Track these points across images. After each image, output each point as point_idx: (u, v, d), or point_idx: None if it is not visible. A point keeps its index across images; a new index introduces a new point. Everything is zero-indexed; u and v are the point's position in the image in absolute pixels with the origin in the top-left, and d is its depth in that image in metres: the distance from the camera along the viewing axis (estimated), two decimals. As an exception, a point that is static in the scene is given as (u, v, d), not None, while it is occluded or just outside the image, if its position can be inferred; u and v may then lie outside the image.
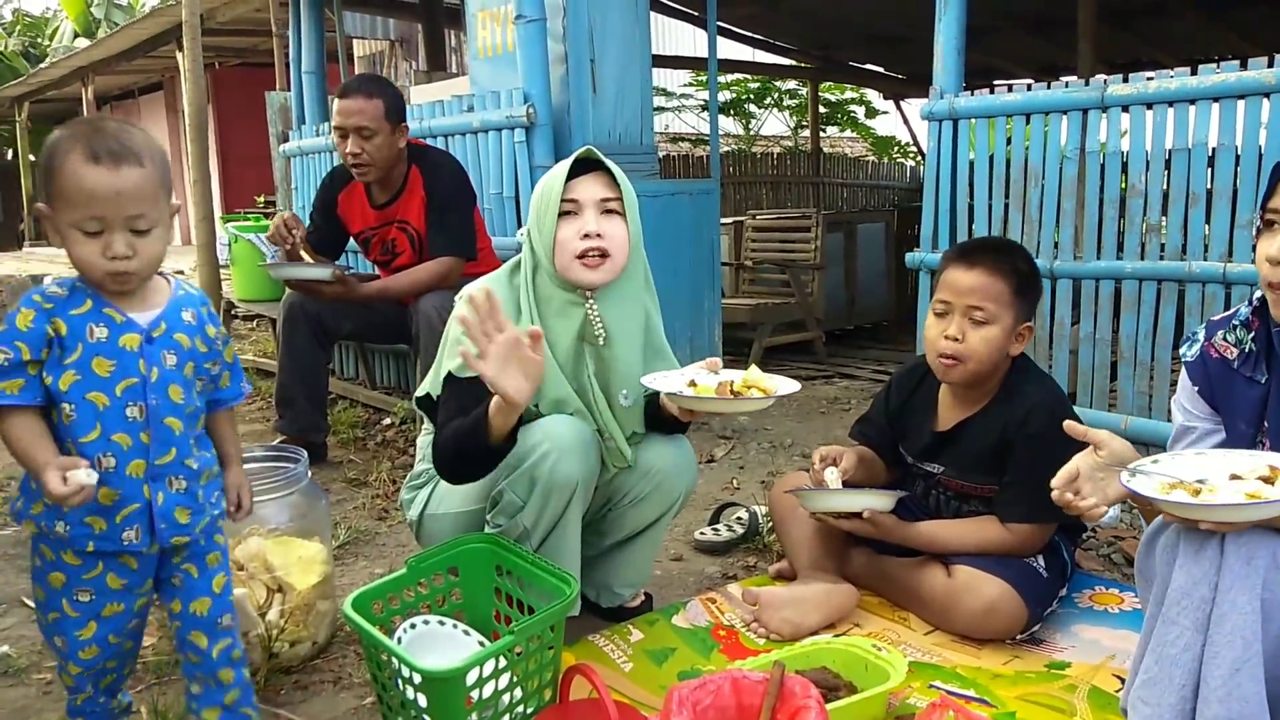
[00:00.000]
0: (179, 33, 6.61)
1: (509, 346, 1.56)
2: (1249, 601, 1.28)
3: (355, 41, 10.31)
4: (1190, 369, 1.54)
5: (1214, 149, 2.67)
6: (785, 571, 2.28)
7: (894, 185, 10.64)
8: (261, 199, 9.95)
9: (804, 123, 11.47)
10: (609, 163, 1.85)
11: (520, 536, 1.79)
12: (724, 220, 6.16)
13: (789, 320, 5.52)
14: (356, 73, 9.94)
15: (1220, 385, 1.49)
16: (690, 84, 11.68)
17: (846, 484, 2.08)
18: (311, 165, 4.71)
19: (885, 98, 10.83)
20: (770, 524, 2.44)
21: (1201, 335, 1.54)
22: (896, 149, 12.67)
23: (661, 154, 9.86)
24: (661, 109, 11.87)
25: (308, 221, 3.34)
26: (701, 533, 2.62)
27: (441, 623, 1.74)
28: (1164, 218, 2.77)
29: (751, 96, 11.84)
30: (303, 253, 3.10)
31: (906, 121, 10.29)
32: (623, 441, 1.90)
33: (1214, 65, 2.65)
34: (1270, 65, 2.54)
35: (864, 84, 10.79)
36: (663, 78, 11.72)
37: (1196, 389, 1.53)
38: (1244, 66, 2.59)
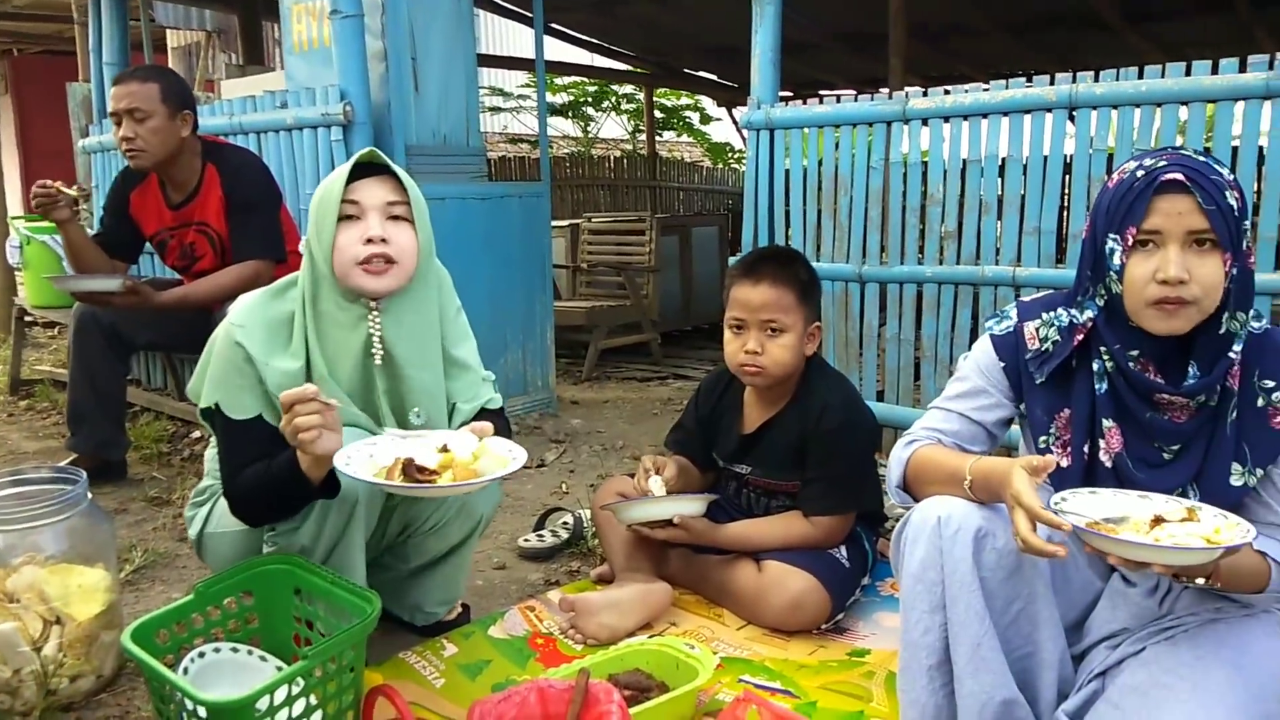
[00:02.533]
0: (-36, 15, 6.05)
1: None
2: (971, 578, 1.34)
3: (169, 32, 9.72)
4: (999, 342, 1.55)
5: (1004, 159, 2.86)
6: (606, 575, 2.29)
7: (728, 190, 10.92)
8: (66, 197, 9.23)
9: (641, 127, 11.61)
10: (395, 166, 1.76)
11: (299, 555, 1.71)
12: (560, 223, 6.18)
13: (625, 322, 5.56)
14: (169, 65, 9.41)
15: (1025, 367, 1.53)
16: (528, 85, 11.62)
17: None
18: (114, 163, 4.39)
19: (719, 105, 11.09)
20: (595, 528, 2.45)
21: (1014, 314, 1.56)
22: (731, 155, 13.00)
23: (499, 155, 9.78)
24: (499, 109, 11.75)
25: (99, 225, 3.11)
26: (526, 539, 2.60)
27: (235, 649, 1.65)
28: (960, 224, 2.94)
29: (589, 100, 11.88)
30: (69, 192, 2.88)
31: (739, 129, 10.57)
32: None
33: (1005, 82, 2.84)
34: (1052, 83, 2.74)
35: (699, 91, 11.02)
36: (500, 78, 11.61)
37: (1002, 364, 1.54)
38: (1030, 83, 2.78)
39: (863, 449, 2.15)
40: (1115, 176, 1.42)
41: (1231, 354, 1.38)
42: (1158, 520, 1.29)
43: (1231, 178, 1.36)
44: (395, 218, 1.73)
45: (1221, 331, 1.37)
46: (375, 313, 1.75)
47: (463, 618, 2.11)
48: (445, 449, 1.59)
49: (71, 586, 1.82)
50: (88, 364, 2.97)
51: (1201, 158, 1.36)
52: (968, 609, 1.34)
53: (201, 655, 1.59)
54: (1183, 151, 1.38)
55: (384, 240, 1.69)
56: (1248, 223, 1.39)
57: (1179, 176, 1.32)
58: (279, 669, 1.64)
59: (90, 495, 1.89)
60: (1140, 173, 1.36)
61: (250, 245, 2.88)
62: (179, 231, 3.01)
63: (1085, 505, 1.34)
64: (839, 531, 2.10)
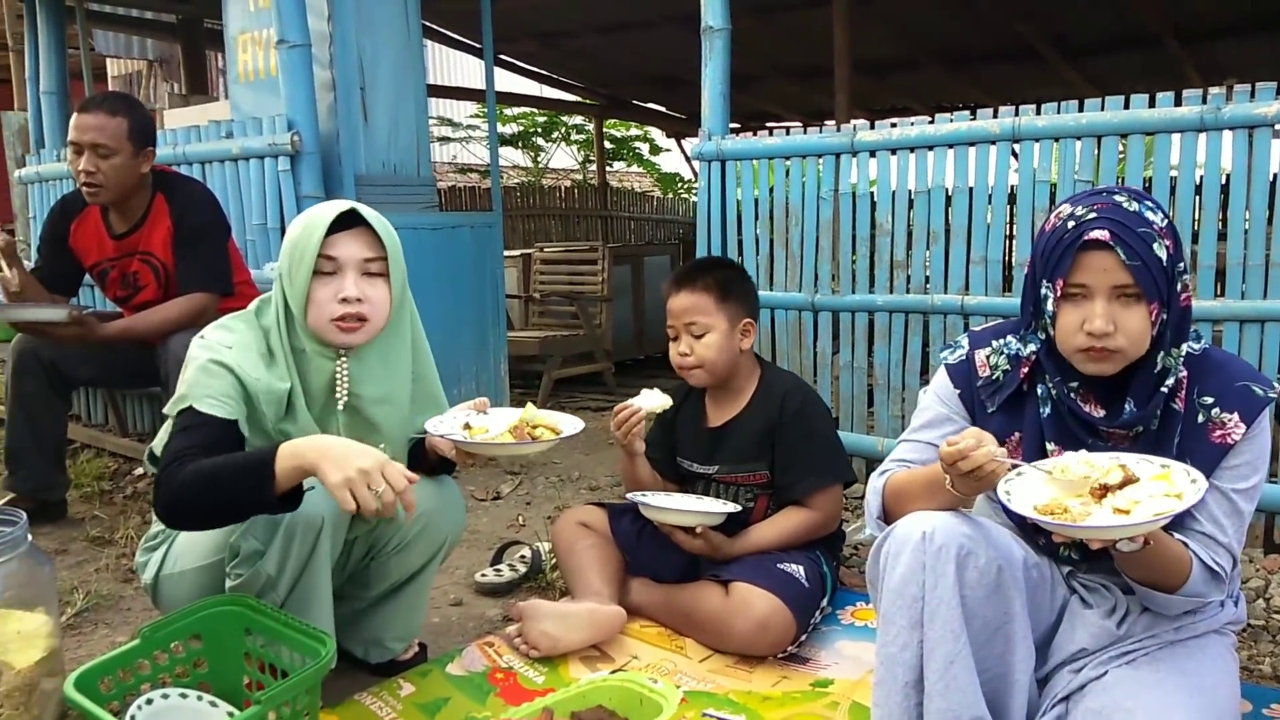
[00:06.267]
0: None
1: None
2: (953, 595, 1.35)
3: (109, 60, 9.56)
4: (953, 371, 1.60)
5: (950, 191, 2.91)
6: (568, 608, 2.27)
7: (679, 219, 11.00)
8: (-1, 228, 8.98)
9: (591, 157, 11.67)
10: (373, 219, 1.74)
11: (265, 587, 1.67)
12: (512, 253, 6.16)
13: (578, 351, 5.55)
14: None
15: (978, 395, 1.58)
16: (477, 115, 11.64)
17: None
18: (52, 193, 4.29)
19: (668, 136, 11.19)
20: (554, 560, 2.43)
21: (966, 343, 1.62)
22: (681, 185, 13.11)
23: (449, 185, 9.75)
24: (448, 139, 11.74)
25: (35, 255, 3.02)
26: (483, 574, 2.56)
27: (184, 695, 1.59)
28: (909, 254, 2.99)
29: (539, 130, 11.92)
30: (4, 268, 2.80)
31: (688, 159, 10.67)
32: None
33: (949, 116, 2.90)
34: (995, 116, 2.80)
35: (647, 122, 11.11)
36: (449, 108, 11.60)
37: (958, 392, 1.59)
38: (974, 116, 2.84)
39: (828, 424, 2.31)
40: (1051, 220, 1.46)
41: (1164, 388, 1.43)
42: (1104, 489, 1.30)
43: (1164, 224, 1.39)
44: (370, 274, 1.73)
45: (1156, 369, 1.43)
46: (344, 358, 1.77)
47: (419, 657, 2.07)
48: (468, 427, 1.77)
49: (10, 633, 1.74)
50: (26, 403, 2.88)
51: (1134, 205, 1.38)
52: (944, 626, 1.34)
53: (149, 702, 1.54)
54: (1115, 199, 1.40)
55: (359, 300, 1.70)
56: (1182, 264, 1.42)
57: (1103, 235, 1.36)
58: (230, 715, 1.59)
59: (30, 537, 1.82)
60: (1071, 224, 1.40)
61: (197, 277, 2.82)
62: (121, 261, 2.93)
63: (1025, 487, 1.34)
64: (835, 506, 2.23)
